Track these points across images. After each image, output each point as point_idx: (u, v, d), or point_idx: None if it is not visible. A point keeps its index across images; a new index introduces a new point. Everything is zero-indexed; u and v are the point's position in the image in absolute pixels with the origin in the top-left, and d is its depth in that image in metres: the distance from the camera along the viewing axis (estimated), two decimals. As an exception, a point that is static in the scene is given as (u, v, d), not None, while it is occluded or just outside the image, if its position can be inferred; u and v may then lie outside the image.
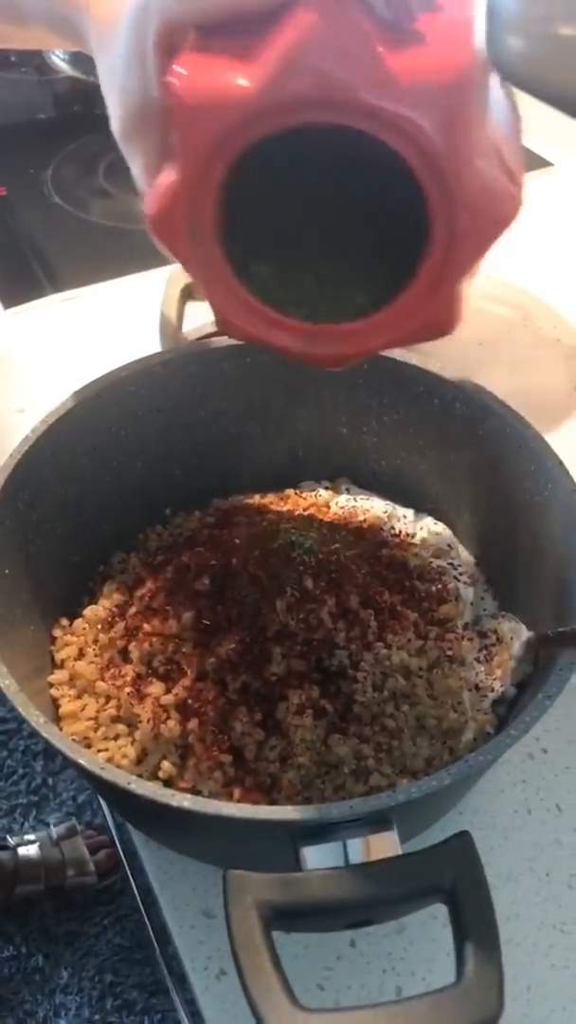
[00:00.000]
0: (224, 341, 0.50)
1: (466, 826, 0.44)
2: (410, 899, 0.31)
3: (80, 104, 0.96)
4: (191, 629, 0.43)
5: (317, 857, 0.32)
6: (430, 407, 0.49)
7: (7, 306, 0.72)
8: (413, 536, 0.51)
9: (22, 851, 1.29)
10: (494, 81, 0.30)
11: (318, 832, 0.32)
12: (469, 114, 0.29)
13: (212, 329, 0.54)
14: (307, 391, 0.52)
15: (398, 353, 0.49)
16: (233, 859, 0.32)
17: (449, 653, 0.44)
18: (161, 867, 0.43)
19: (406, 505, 0.53)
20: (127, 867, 1.21)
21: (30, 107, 0.98)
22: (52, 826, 1.35)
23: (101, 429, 0.49)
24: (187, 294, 0.55)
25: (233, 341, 0.50)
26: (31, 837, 1.32)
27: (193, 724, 0.41)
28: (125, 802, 0.40)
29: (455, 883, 0.31)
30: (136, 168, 0.34)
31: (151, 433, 0.51)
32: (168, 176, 0.30)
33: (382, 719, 0.41)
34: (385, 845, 0.32)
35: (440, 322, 0.33)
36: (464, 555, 0.51)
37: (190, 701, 0.41)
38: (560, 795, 0.45)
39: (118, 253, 0.78)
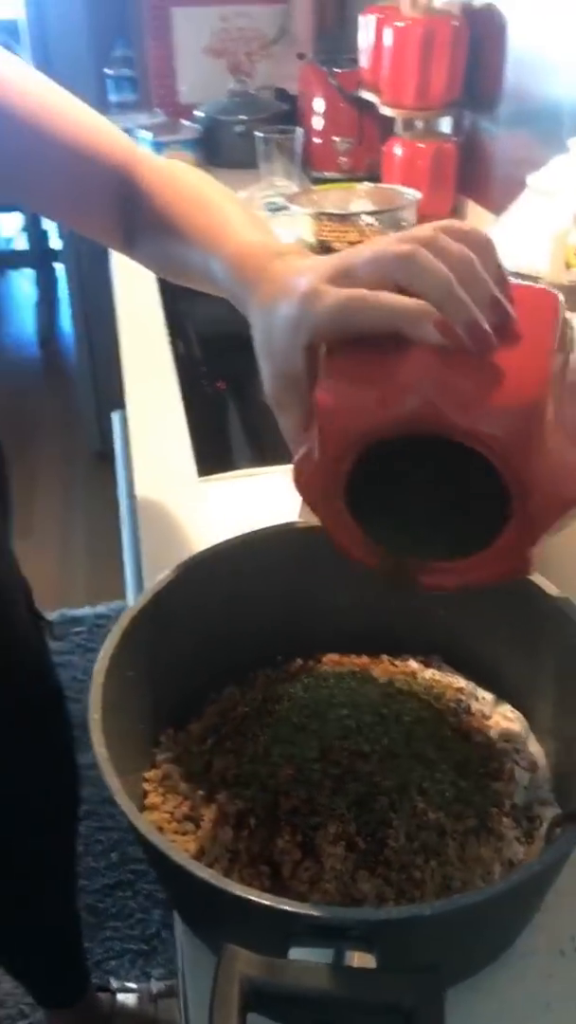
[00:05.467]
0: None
1: (482, 1005, 0.45)
2: (372, 1009, 0.35)
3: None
4: (263, 751, 0.50)
5: (303, 957, 0.37)
6: (527, 611, 0.54)
7: (200, 475, 0.88)
8: (488, 718, 0.55)
9: (120, 998, 1.30)
10: None
11: (306, 933, 0.37)
12: (539, 426, 0.38)
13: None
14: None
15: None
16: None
17: (489, 825, 0.47)
18: (195, 959, 0.48)
19: (490, 690, 0.58)
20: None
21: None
22: (154, 980, 1.35)
23: (233, 579, 0.59)
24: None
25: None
26: (132, 986, 1.33)
27: (244, 834, 0.47)
28: (162, 869, 0.46)
29: (415, 1008, 0.34)
30: (282, 423, 0.46)
31: (277, 588, 0.61)
32: (310, 451, 0.42)
33: (410, 869, 0.45)
34: (365, 964, 0.36)
35: (516, 572, 0.42)
36: (533, 745, 0.54)
37: (247, 814, 0.48)
38: (587, 998, 0.45)
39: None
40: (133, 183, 0.61)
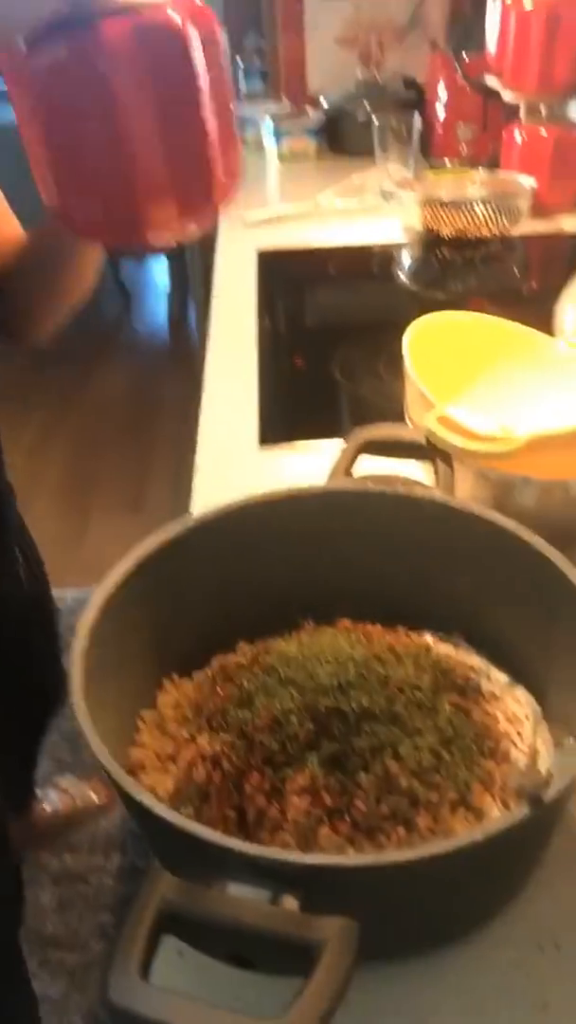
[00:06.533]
0: (378, 488, 0.59)
1: (448, 1001, 0.43)
2: (279, 948, 0.34)
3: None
4: (246, 699, 0.49)
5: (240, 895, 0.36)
6: (549, 594, 0.50)
7: (262, 444, 0.89)
8: (497, 699, 0.53)
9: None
10: None
11: (239, 869, 0.36)
12: None
13: (379, 474, 0.63)
14: (438, 548, 0.58)
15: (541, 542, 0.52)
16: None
17: (469, 801, 0.45)
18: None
19: (507, 672, 0.55)
20: None
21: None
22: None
23: (252, 532, 0.58)
24: (361, 449, 0.64)
25: (386, 489, 0.59)
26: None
27: (217, 776, 0.47)
28: (130, 807, 0.46)
29: (320, 947, 0.33)
30: None
31: (295, 549, 0.60)
32: None
33: (376, 833, 0.43)
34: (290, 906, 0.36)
35: None
36: (543, 733, 0.51)
37: (223, 756, 0.47)
38: (556, 995, 0.42)
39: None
40: None
